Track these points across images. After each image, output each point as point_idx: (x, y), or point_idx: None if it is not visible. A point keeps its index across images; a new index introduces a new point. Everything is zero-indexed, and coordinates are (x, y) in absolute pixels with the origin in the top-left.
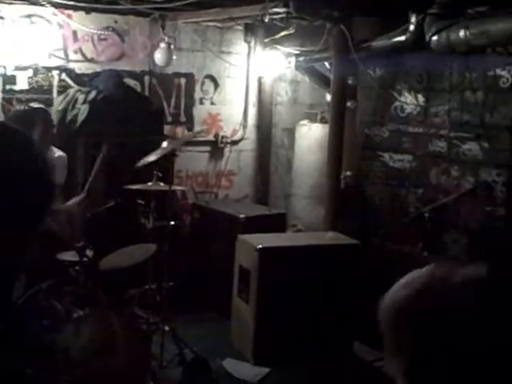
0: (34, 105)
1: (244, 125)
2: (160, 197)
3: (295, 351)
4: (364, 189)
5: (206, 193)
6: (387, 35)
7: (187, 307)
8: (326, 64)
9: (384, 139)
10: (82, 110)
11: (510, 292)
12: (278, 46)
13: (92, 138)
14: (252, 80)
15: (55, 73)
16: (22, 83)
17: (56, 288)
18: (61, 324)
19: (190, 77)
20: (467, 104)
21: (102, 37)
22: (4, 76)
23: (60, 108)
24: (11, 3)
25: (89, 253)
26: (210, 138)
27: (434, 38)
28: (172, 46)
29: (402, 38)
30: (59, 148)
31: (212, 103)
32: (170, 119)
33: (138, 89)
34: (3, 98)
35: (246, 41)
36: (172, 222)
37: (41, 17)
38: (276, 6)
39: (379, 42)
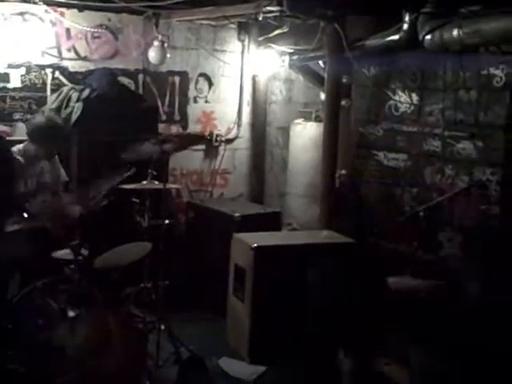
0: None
1: (238, 123)
2: (155, 195)
3: (291, 350)
4: (359, 187)
5: (201, 191)
6: (381, 34)
7: (183, 306)
8: (320, 63)
9: (378, 138)
10: (76, 108)
11: None
12: (272, 45)
13: (86, 136)
14: (246, 78)
15: (48, 71)
16: (15, 81)
17: (51, 286)
18: (56, 322)
19: (184, 75)
20: (461, 103)
21: (96, 35)
22: None
23: (54, 106)
24: (3, 1)
25: (84, 251)
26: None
27: (428, 37)
28: (166, 44)
29: (396, 36)
30: None
31: (206, 101)
32: (164, 117)
33: (132, 87)
34: None
35: (239, 39)
36: (167, 221)
37: (33, 14)
38: (270, 5)
39: (373, 41)
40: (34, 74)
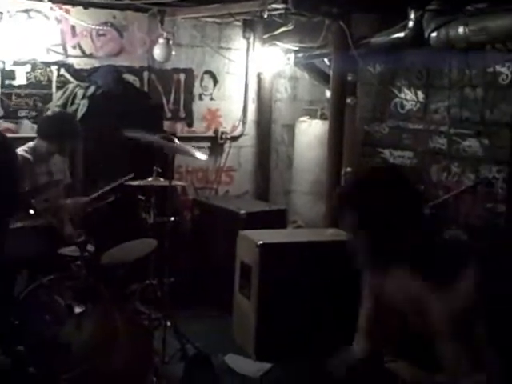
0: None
1: (243, 121)
2: (160, 192)
3: (297, 347)
4: None
5: (206, 188)
6: (386, 32)
7: (188, 303)
8: (326, 60)
9: (384, 136)
10: (81, 106)
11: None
12: (277, 42)
13: (91, 133)
14: (251, 76)
15: (54, 68)
16: (20, 78)
17: (57, 283)
18: (62, 319)
19: (189, 72)
20: (467, 101)
21: (101, 32)
22: (3, 71)
23: (59, 103)
24: None
25: (90, 248)
26: (210, 133)
27: (433, 34)
28: (171, 42)
29: (401, 34)
30: None
31: (211, 99)
32: (169, 115)
33: (137, 84)
34: (2, 93)
35: (244, 37)
36: (172, 218)
37: (38, 12)
38: (275, 2)
39: (378, 39)
40: (39, 71)
